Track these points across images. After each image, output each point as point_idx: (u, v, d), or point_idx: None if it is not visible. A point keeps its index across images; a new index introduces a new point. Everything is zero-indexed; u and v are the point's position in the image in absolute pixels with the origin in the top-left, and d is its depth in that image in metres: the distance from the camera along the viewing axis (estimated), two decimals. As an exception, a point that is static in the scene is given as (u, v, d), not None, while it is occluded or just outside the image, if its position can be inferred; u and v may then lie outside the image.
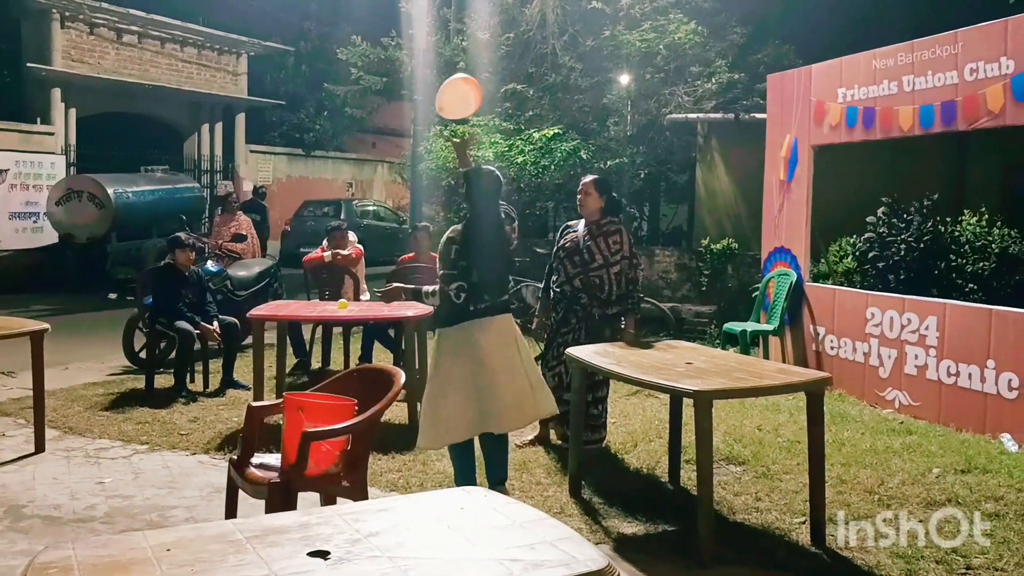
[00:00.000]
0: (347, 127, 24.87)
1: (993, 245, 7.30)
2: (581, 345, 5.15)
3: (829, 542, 4.10)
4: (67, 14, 17.98)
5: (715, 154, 11.72)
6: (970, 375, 6.06)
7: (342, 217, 18.49)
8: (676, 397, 4.86)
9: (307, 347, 8.23)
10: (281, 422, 3.80)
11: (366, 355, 7.98)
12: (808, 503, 4.25)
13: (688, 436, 4.74)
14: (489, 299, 4.53)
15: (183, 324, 7.13)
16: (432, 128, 12.81)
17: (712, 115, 11.73)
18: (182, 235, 7.75)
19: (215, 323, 7.35)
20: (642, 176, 12.79)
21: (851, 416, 6.44)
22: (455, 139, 5.22)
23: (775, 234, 8.25)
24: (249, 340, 7.41)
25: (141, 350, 7.91)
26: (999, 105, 5.89)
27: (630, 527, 4.37)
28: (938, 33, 6.46)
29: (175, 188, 16.03)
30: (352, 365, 7.82)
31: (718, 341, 8.87)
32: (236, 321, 7.54)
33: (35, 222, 16.55)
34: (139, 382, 7.35)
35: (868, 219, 7.81)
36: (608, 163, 11.45)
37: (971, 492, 4.69)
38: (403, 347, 7.00)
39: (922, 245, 7.38)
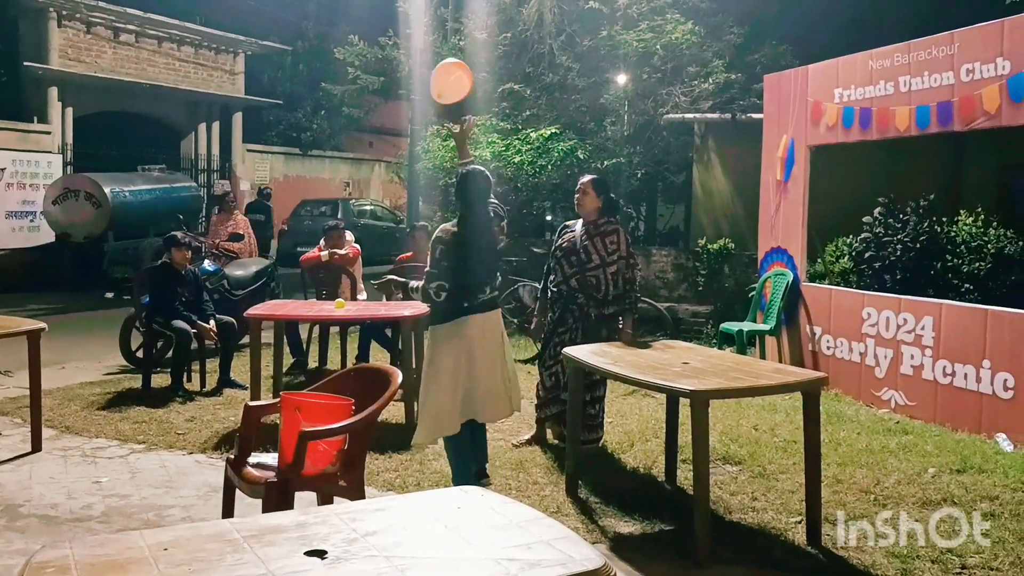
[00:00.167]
0: (344, 126, 24.84)
1: (989, 245, 7.31)
2: (578, 345, 5.16)
3: (825, 541, 4.11)
4: (64, 13, 17.95)
5: (712, 154, 11.73)
6: (966, 375, 6.08)
7: (339, 216, 18.51)
8: (673, 397, 4.86)
9: (304, 347, 8.23)
10: (278, 421, 3.80)
11: (363, 354, 7.99)
12: (804, 503, 4.26)
13: (684, 436, 4.75)
14: (481, 296, 4.66)
15: (180, 323, 7.13)
16: (429, 128, 12.80)
17: (709, 115, 11.74)
18: (178, 234, 7.74)
19: (212, 322, 7.35)
20: (639, 176, 12.79)
21: (847, 416, 6.46)
22: (454, 128, 5.28)
23: (772, 234, 8.26)
24: (246, 339, 7.42)
25: (138, 349, 7.91)
26: (995, 106, 5.91)
27: (626, 526, 4.38)
28: (934, 34, 6.48)
29: (172, 187, 16.01)
30: (349, 365, 7.82)
31: (714, 341, 8.89)
32: (233, 320, 7.54)
33: (32, 221, 16.53)
34: (136, 381, 7.35)
35: (864, 219, 7.82)
36: (605, 163, 11.45)
37: (967, 492, 4.70)
38: (400, 347, 7.02)
39: (918, 245, 7.39)
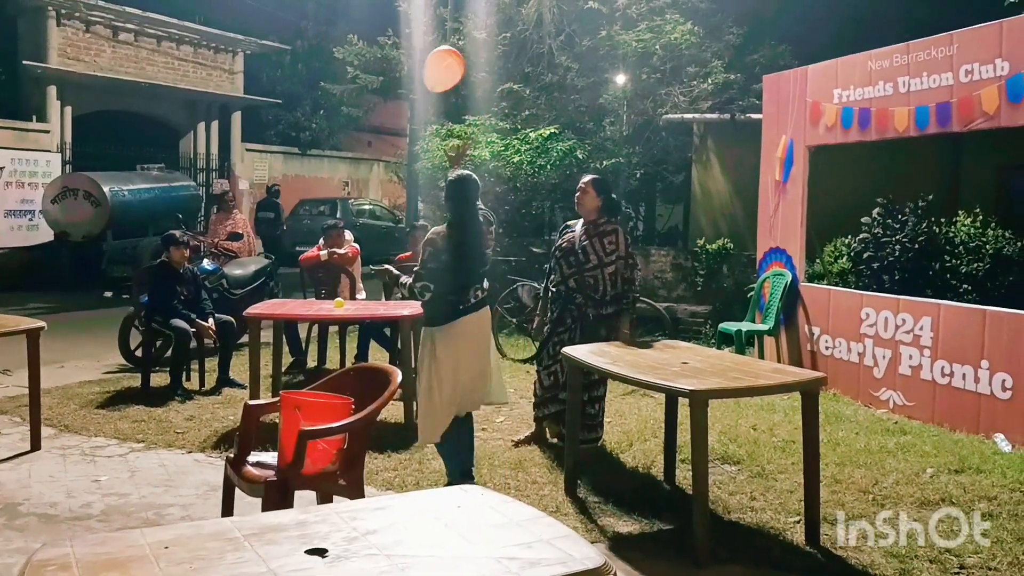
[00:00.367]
0: (343, 126, 24.82)
1: (987, 246, 7.33)
2: (576, 345, 5.18)
3: (824, 541, 4.12)
4: (63, 11, 17.94)
5: (711, 154, 11.74)
6: (964, 375, 6.08)
7: (338, 216, 18.49)
8: (672, 397, 4.87)
9: (303, 346, 8.23)
10: (277, 420, 3.81)
11: (362, 354, 7.99)
12: (803, 502, 4.27)
13: (683, 435, 4.76)
14: (472, 297, 4.80)
15: (179, 322, 7.13)
16: (429, 127, 12.80)
17: (708, 115, 11.74)
18: (176, 233, 7.75)
19: (210, 320, 7.35)
20: (638, 176, 12.78)
21: (845, 416, 6.47)
22: (451, 153, 5.43)
23: (770, 234, 8.27)
24: (245, 339, 7.42)
25: (137, 348, 7.91)
26: (994, 106, 5.92)
27: (625, 526, 4.38)
28: (934, 34, 6.49)
29: (171, 186, 16.01)
30: (348, 364, 7.82)
31: (713, 341, 8.89)
32: (232, 319, 7.54)
33: (31, 220, 16.51)
34: (135, 380, 7.35)
35: (863, 220, 7.83)
36: (604, 163, 11.44)
37: (965, 492, 4.71)
38: (399, 346, 7.01)
39: (917, 246, 7.40)
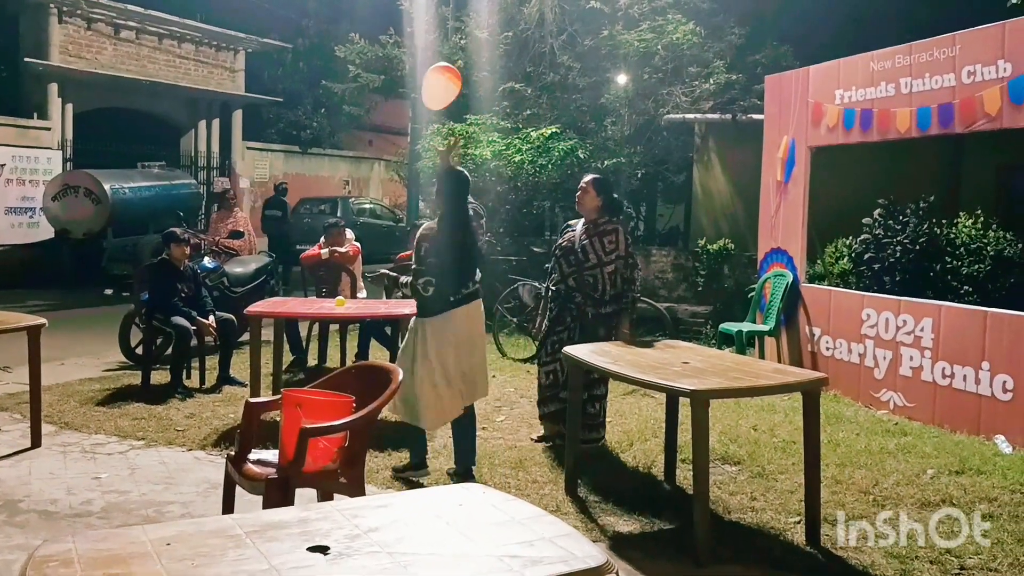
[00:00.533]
0: (344, 125, 24.83)
1: (988, 247, 7.32)
2: (575, 344, 5.20)
3: (824, 541, 4.12)
4: (64, 9, 17.94)
5: (712, 155, 11.73)
6: (965, 377, 6.08)
7: (339, 215, 18.48)
8: (672, 396, 4.87)
9: (304, 344, 8.23)
10: (278, 418, 3.81)
11: (363, 352, 7.99)
12: (803, 503, 4.27)
13: (684, 435, 4.76)
14: (464, 290, 4.93)
15: (179, 320, 7.13)
16: (430, 126, 12.79)
17: (710, 115, 11.74)
18: (177, 230, 7.74)
19: (211, 318, 7.35)
20: (639, 176, 12.77)
21: (846, 417, 6.46)
22: (440, 148, 5.50)
23: (771, 235, 8.27)
24: (246, 337, 7.42)
25: (137, 346, 7.90)
26: (996, 108, 5.92)
27: (626, 525, 4.38)
28: (936, 35, 6.48)
29: (172, 184, 16.01)
30: (348, 362, 7.82)
31: (714, 341, 8.89)
32: (232, 317, 7.54)
33: (31, 217, 16.51)
34: (135, 378, 7.35)
35: (864, 221, 7.83)
36: (605, 163, 11.44)
37: (965, 493, 4.71)
38: (400, 344, 7.01)
39: (918, 247, 7.40)
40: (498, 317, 9.46)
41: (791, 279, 7.85)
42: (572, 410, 4.90)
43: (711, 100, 11.98)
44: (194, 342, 7.31)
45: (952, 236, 7.53)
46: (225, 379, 7.33)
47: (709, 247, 10.35)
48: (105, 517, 4.43)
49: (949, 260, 7.37)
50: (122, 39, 19.37)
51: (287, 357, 7.76)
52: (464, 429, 5.08)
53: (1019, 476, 4.97)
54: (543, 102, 12.66)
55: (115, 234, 14.52)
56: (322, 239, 8.58)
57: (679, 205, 14.60)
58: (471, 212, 5.14)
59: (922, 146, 8.18)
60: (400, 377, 3.84)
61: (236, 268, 9.06)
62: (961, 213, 7.77)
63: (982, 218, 7.56)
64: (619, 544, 4.16)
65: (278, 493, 3.48)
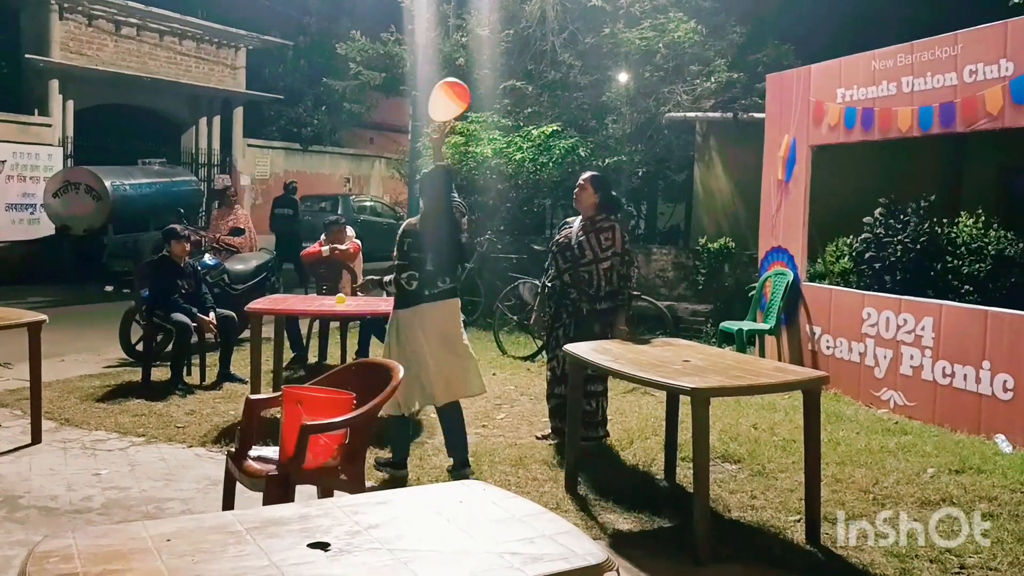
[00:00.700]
0: (345, 122, 24.83)
1: (989, 247, 7.32)
2: (571, 339, 5.26)
3: (824, 540, 4.12)
4: (65, 5, 17.92)
5: (713, 153, 11.72)
6: (965, 376, 6.08)
7: (339, 212, 18.46)
8: (673, 394, 4.87)
9: (304, 341, 8.23)
10: (278, 415, 3.81)
11: (363, 350, 7.99)
12: (803, 501, 4.27)
13: (684, 433, 4.76)
14: (441, 285, 4.98)
15: (180, 317, 7.13)
16: (431, 124, 12.77)
17: (711, 114, 11.72)
18: (177, 226, 7.75)
19: (211, 315, 7.35)
20: (640, 174, 12.76)
21: (846, 416, 6.46)
22: (433, 135, 5.52)
23: (772, 233, 8.26)
24: (246, 334, 7.42)
25: (138, 342, 7.91)
26: (998, 107, 5.91)
27: (626, 523, 4.38)
28: (937, 34, 6.47)
29: (172, 181, 16.00)
30: (349, 360, 7.82)
31: (714, 340, 8.89)
32: (233, 314, 7.54)
33: (32, 214, 16.50)
34: (136, 374, 7.35)
35: (865, 220, 7.82)
36: (606, 161, 11.43)
37: (965, 492, 4.71)
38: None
39: (918, 246, 7.39)
40: (498, 315, 9.47)
41: (792, 278, 7.84)
42: (572, 408, 4.90)
43: (712, 99, 11.96)
44: (194, 339, 7.31)
45: (953, 235, 7.52)
46: (225, 376, 7.34)
47: (710, 246, 10.35)
48: (105, 513, 4.43)
49: (950, 259, 7.36)
50: (123, 36, 19.36)
51: (287, 354, 7.77)
52: (451, 423, 5.09)
53: (1019, 475, 4.97)
54: (544, 100, 12.66)
55: (116, 231, 14.52)
56: (323, 236, 8.59)
57: (680, 204, 14.57)
58: (454, 210, 5.14)
59: (923, 145, 8.17)
60: (401, 375, 3.83)
61: (237, 265, 9.06)
62: (962, 212, 7.76)
63: (983, 218, 7.56)
64: (619, 542, 4.16)
65: (278, 490, 3.48)
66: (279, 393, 4.00)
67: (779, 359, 7.86)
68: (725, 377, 4.23)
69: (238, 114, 22.25)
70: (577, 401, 4.91)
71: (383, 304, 7.10)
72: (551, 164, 11.12)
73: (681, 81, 12.31)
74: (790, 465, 5.15)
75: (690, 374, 4.18)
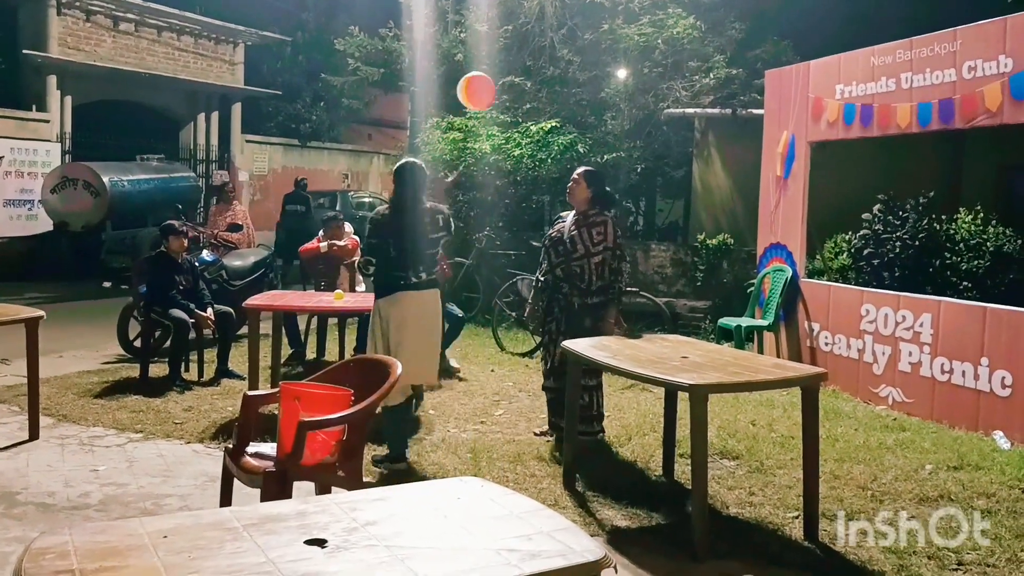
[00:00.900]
0: (344, 118, 24.76)
1: (988, 244, 7.32)
2: (561, 333, 5.31)
3: (822, 537, 4.12)
4: (63, 1, 17.87)
5: (712, 149, 11.71)
6: (964, 372, 6.08)
7: (337, 208, 18.45)
8: (671, 391, 4.87)
9: (302, 338, 8.22)
10: (276, 412, 3.80)
11: (361, 346, 7.95)
12: (801, 498, 4.27)
13: (682, 430, 4.76)
14: (415, 277, 5.10)
15: (178, 313, 7.12)
16: (429, 120, 12.78)
17: (710, 110, 11.71)
18: (174, 222, 7.74)
19: (209, 311, 7.34)
20: (639, 170, 12.74)
21: (845, 412, 6.46)
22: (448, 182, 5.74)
23: (771, 230, 8.26)
24: (244, 330, 7.41)
25: (136, 339, 7.90)
26: (997, 103, 5.91)
27: (624, 520, 4.38)
28: (937, 31, 6.47)
29: (171, 177, 15.96)
30: (347, 356, 7.81)
31: (712, 336, 8.89)
32: (231, 310, 7.53)
33: (30, 209, 16.46)
34: (133, 370, 7.35)
35: (864, 216, 7.82)
36: (605, 157, 11.42)
37: (963, 489, 4.71)
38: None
39: (917, 243, 7.40)
40: (497, 311, 9.46)
41: (790, 274, 7.84)
42: (570, 404, 4.90)
43: (711, 95, 11.94)
44: (192, 335, 7.30)
45: (952, 232, 7.53)
46: (223, 372, 7.33)
47: (708, 242, 10.35)
48: (103, 509, 4.43)
49: (949, 256, 7.36)
50: (121, 31, 19.30)
51: (285, 350, 7.76)
52: (394, 415, 5.12)
53: (1017, 472, 4.97)
54: (543, 96, 12.64)
55: (114, 227, 14.50)
56: (321, 232, 8.58)
57: (678, 200, 14.55)
58: (429, 210, 5.24)
59: (923, 142, 8.17)
60: (399, 371, 3.83)
61: (235, 261, 9.06)
62: (961, 209, 7.77)
63: (982, 214, 7.56)
64: (616, 538, 4.16)
65: (276, 486, 3.48)
66: (277, 389, 4.00)
67: (777, 355, 7.86)
68: (723, 373, 4.23)
69: (236, 110, 22.20)
70: (575, 398, 4.91)
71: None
72: (549, 160, 11.11)
73: (680, 77, 12.29)
74: (788, 461, 5.15)
75: (688, 370, 4.18)
